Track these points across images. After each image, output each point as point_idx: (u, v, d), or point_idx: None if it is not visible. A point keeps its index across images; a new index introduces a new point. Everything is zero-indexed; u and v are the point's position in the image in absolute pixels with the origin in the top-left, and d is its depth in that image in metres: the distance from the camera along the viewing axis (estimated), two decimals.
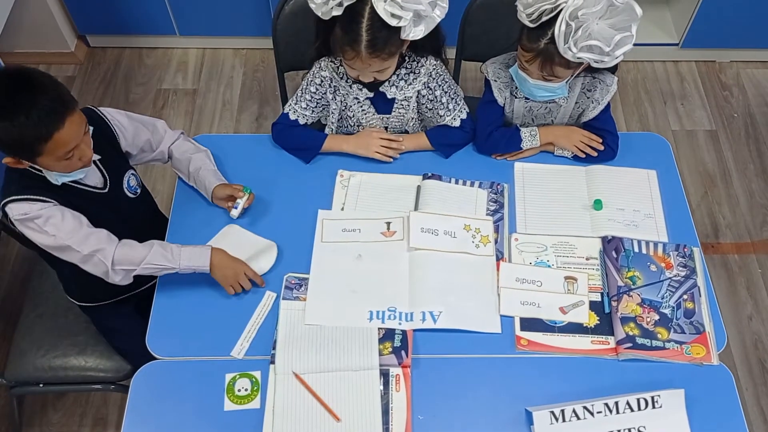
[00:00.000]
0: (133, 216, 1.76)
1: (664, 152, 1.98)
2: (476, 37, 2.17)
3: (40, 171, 1.53)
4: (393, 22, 1.59)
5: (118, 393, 1.93)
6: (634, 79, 3.20)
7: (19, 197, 1.52)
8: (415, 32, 1.64)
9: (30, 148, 1.43)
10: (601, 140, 1.91)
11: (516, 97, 1.92)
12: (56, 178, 1.54)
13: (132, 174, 1.76)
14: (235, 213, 1.77)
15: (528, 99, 1.91)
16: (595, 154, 1.91)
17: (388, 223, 1.80)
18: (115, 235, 1.62)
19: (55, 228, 1.54)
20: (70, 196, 1.58)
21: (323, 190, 1.88)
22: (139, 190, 1.79)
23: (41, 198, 1.53)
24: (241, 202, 1.77)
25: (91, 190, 1.65)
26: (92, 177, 1.64)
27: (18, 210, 1.52)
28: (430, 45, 1.81)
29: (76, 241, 1.56)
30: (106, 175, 1.67)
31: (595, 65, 1.66)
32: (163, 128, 1.83)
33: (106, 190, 1.68)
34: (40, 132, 1.40)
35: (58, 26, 3.03)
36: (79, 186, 1.61)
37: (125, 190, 1.74)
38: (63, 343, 1.87)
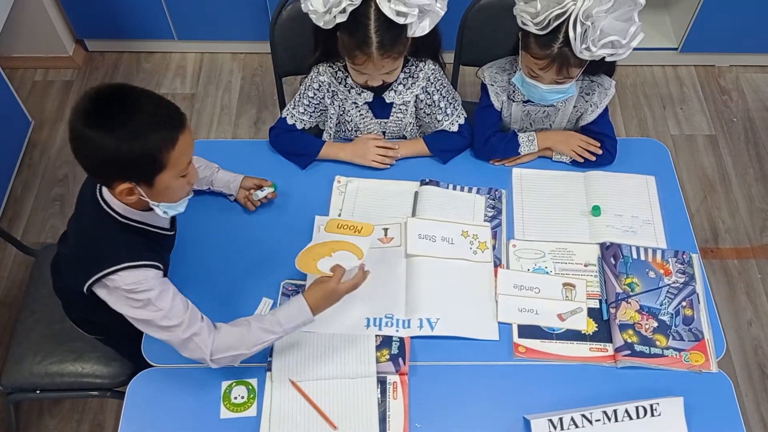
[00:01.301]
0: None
1: (662, 158, 1.97)
2: (475, 42, 2.16)
3: (141, 223, 1.44)
4: (400, 20, 1.59)
5: (114, 399, 1.92)
6: (633, 84, 3.20)
7: (135, 264, 1.38)
8: (422, 28, 1.64)
9: (155, 159, 1.31)
10: (599, 144, 1.90)
11: (513, 102, 1.91)
12: (165, 210, 1.42)
13: None
14: (259, 194, 1.79)
15: (526, 103, 1.90)
16: (594, 158, 1.90)
17: (386, 230, 1.79)
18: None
19: (165, 303, 1.40)
20: (150, 244, 1.47)
21: (320, 195, 1.87)
22: None
23: (154, 264, 1.42)
24: (267, 190, 1.79)
25: (162, 233, 1.54)
26: (163, 219, 1.52)
27: (130, 279, 1.37)
28: (430, 46, 1.81)
29: (185, 321, 1.42)
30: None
31: (609, 59, 1.65)
32: None
33: (173, 233, 1.59)
34: (168, 132, 1.31)
35: (56, 30, 3.02)
36: (154, 230, 1.50)
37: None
38: (60, 349, 1.86)
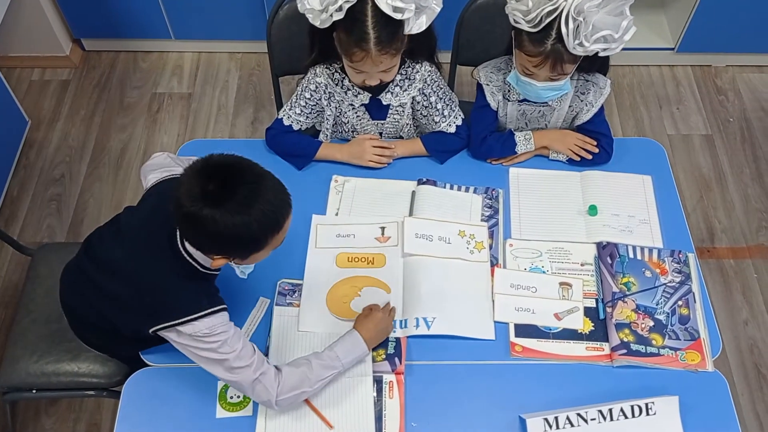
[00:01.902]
0: None
1: (659, 158, 1.98)
2: (471, 42, 2.16)
3: (212, 270, 1.44)
4: (397, 16, 1.59)
5: (111, 399, 1.91)
6: (629, 84, 3.20)
7: (214, 310, 1.39)
8: (418, 24, 1.64)
9: (260, 243, 1.33)
10: (595, 143, 1.91)
11: (509, 101, 1.91)
12: (242, 270, 1.47)
13: None
14: None
15: (521, 102, 1.90)
16: (590, 156, 1.90)
17: (383, 228, 1.80)
18: None
19: (238, 344, 1.41)
20: (217, 290, 1.49)
21: (318, 195, 1.87)
22: None
23: (225, 307, 1.43)
24: None
25: (214, 273, 1.52)
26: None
27: (208, 324, 1.37)
28: (426, 46, 1.81)
29: (255, 362, 1.42)
30: None
31: (603, 54, 1.66)
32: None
33: (219, 272, 1.55)
34: (276, 222, 1.31)
35: (53, 30, 3.01)
36: (215, 272, 1.50)
37: None
38: (56, 348, 1.85)
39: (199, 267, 1.43)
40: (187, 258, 1.41)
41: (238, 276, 1.58)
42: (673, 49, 3.18)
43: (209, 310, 1.38)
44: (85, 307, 1.64)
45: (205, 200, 1.24)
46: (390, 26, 1.62)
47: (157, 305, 1.41)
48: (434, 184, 1.87)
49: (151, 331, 1.41)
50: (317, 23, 1.63)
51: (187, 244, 1.40)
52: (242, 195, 1.26)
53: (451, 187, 1.88)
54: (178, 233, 1.40)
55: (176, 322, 1.37)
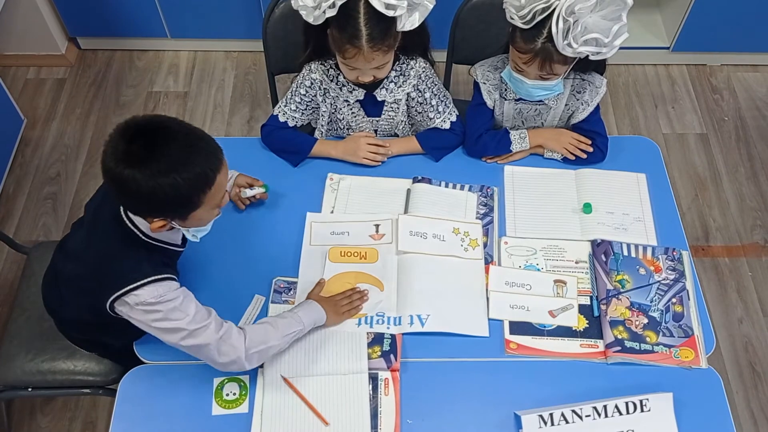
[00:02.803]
0: None
1: (653, 155, 1.98)
2: (467, 41, 2.17)
3: (161, 242, 1.44)
4: (389, 13, 1.59)
5: (107, 397, 1.91)
6: (625, 83, 3.21)
7: (159, 277, 1.39)
8: (411, 21, 1.65)
9: (193, 201, 1.32)
10: (590, 142, 1.91)
11: (506, 99, 1.92)
12: (194, 234, 1.45)
13: None
14: (248, 192, 1.78)
15: (518, 101, 1.91)
16: (585, 156, 1.91)
17: (377, 226, 1.80)
18: None
19: (190, 309, 1.41)
20: (170, 260, 1.50)
21: (313, 193, 1.87)
22: None
23: (173, 276, 1.43)
24: (257, 190, 1.78)
25: (178, 249, 1.54)
26: (178, 236, 1.53)
27: (155, 292, 1.37)
28: (420, 42, 1.82)
29: (212, 322, 1.42)
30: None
31: (593, 58, 1.66)
32: None
33: (184, 248, 1.58)
34: (206, 177, 1.30)
35: (48, 28, 3.01)
36: (171, 247, 1.51)
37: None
38: (51, 346, 1.85)
39: (142, 236, 1.43)
40: (131, 226, 1.42)
41: (232, 272, 1.58)
42: (668, 48, 3.19)
43: (152, 278, 1.38)
44: (63, 304, 1.65)
45: (127, 161, 1.24)
46: (382, 23, 1.62)
47: (103, 277, 1.41)
48: (429, 182, 1.88)
49: (108, 308, 1.41)
50: (310, 20, 1.64)
51: (130, 213, 1.41)
52: (165, 154, 1.25)
53: (446, 185, 1.88)
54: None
55: (121, 291, 1.37)
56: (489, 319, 1.66)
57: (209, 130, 2.94)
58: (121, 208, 1.42)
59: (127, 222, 1.42)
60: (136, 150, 1.24)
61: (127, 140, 1.25)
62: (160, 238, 1.46)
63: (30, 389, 1.85)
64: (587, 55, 1.65)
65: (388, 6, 1.59)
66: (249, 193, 1.78)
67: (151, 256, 1.43)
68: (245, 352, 1.44)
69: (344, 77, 1.82)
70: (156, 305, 1.38)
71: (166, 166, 1.25)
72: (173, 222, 1.38)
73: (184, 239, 1.55)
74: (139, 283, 1.37)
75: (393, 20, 1.63)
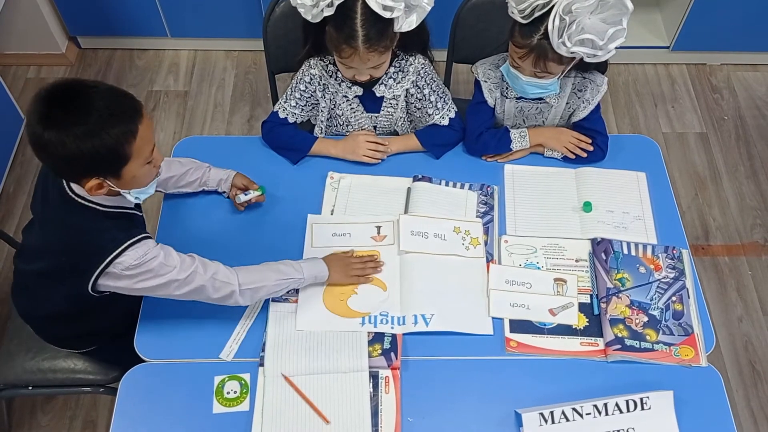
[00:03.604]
0: None
1: (653, 154, 1.99)
2: (467, 39, 2.17)
3: (121, 208, 1.46)
4: (386, 15, 1.60)
5: (107, 396, 1.91)
6: (625, 82, 3.21)
7: (134, 240, 1.40)
8: (409, 23, 1.65)
9: (118, 154, 1.32)
10: (590, 141, 1.91)
11: (507, 98, 1.92)
12: (136, 196, 1.45)
13: None
14: (242, 198, 1.78)
15: (519, 99, 1.91)
16: (585, 154, 1.91)
17: (378, 227, 1.80)
18: None
19: (174, 260, 1.44)
20: (138, 224, 1.52)
21: (313, 191, 1.87)
22: None
23: (148, 235, 1.45)
24: (251, 194, 1.78)
25: (137, 213, 1.56)
26: (130, 201, 1.53)
27: (135, 255, 1.40)
28: (419, 40, 1.82)
29: (198, 266, 1.47)
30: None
31: (588, 60, 1.66)
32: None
33: (142, 214, 1.61)
34: (127, 125, 1.31)
35: (48, 28, 3.01)
36: (131, 212, 1.52)
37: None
38: (52, 345, 1.85)
39: (100, 207, 1.44)
40: (84, 202, 1.43)
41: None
42: (668, 47, 3.19)
43: (128, 242, 1.40)
44: (38, 305, 1.66)
45: (48, 123, 1.26)
46: (379, 24, 1.62)
47: (79, 259, 1.42)
48: (429, 180, 1.88)
49: (91, 288, 1.43)
50: (309, 17, 1.64)
51: (75, 188, 1.42)
52: (84, 111, 1.27)
53: (447, 184, 1.88)
54: (63, 183, 1.43)
55: (103, 265, 1.39)
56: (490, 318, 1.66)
57: (209, 130, 2.98)
58: (67, 189, 1.43)
59: (78, 199, 1.43)
60: (57, 111, 1.27)
61: (47, 103, 1.27)
62: (119, 205, 1.46)
63: (30, 388, 1.85)
64: (582, 57, 1.65)
65: (385, 7, 1.59)
66: (243, 198, 1.78)
67: (118, 223, 1.45)
68: (239, 287, 1.50)
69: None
70: (142, 266, 1.41)
71: (86, 121, 1.27)
72: (109, 182, 1.37)
73: (138, 205, 1.57)
74: (118, 251, 1.39)
75: (390, 21, 1.63)
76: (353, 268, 1.68)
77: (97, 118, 1.27)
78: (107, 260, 1.39)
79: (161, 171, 1.50)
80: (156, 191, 1.72)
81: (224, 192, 1.84)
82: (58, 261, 1.48)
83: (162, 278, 1.43)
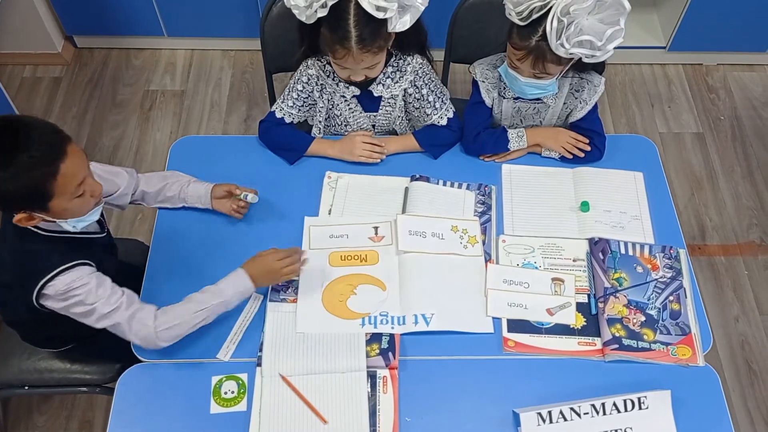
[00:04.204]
0: (114, 257, 1.71)
1: (650, 154, 1.99)
2: (465, 39, 2.17)
3: (65, 233, 1.45)
4: (379, 15, 1.60)
5: (104, 396, 1.91)
6: (621, 82, 3.22)
7: (67, 266, 1.43)
8: (402, 23, 1.65)
9: (40, 192, 1.33)
10: (587, 141, 1.92)
11: (504, 98, 1.92)
12: (74, 225, 1.44)
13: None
14: (251, 198, 1.76)
15: (516, 99, 1.91)
16: (582, 154, 1.91)
17: (376, 228, 1.80)
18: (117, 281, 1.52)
19: (103, 291, 1.46)
20: (81, 248, 1.51)
21: (311, 191, 1.87)
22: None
23: (85, 262, 1.46)
24: (249, 194, 1.76)
25: (94, 236, 1.57)
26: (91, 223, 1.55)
27: (67, 279, 1.42)
28: (416, 40, 1.82)
29: (123, 302, 1.48)
30: (103, 217, 1.60)
31: (586, 60, 1.66)
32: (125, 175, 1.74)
33: (104, 234, 1.62)
34: (47, 167, 1.31)
35: (44, 27, 3.01)
36: (83, 236, 1.53)
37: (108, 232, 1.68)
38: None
39: (41, 231, 1.45)
40: (24, 225, 1.43)
41: (230, 270, 1.58)
42: (664, 47, 3.20)
43: (61, 267, 1.42)
44: (7, 311, 1.67)
45: None
46: (372, 25, 1.62)
47: (23, 278, 1.46)
48: (427, 180, 1.88)
49: (37, 305, 1.46)
50: (303, 18, 1.64)
51: None
52: (6, 154, 1.28)
53: (444, 184, 1.88)
54: None
55: (38, 287, 1.42)
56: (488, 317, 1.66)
57: (206, 130, 2.98)
58: None
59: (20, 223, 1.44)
60: None
61: None
62: (55, 228, 1.46)
63: (26, 388, 1.85)
64: (581, 57, 1.65)
65: (378, 8, 1.59)
66: (250, 196, 1.76)
67: (57, 247, 1.46)
68: (156, 329, 1.49)
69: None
70: (69, 292, 1.43)
71: (12, 163, 1.28)
72: (39, 214, 1.38)
73: (102, 224, 1.60)
74: (51, 275, 1.42)
75: (383, 22, 1.63)
76: (279, 265, 1.60)
77: (21, 161, 1.28)
78: (41, 283, 1.42)
79: (102, 201, 1.50)
80: (136, 204, 1.78)
81: (207, 207, 1.80)
82: (8, 276, 1.51)
83: (84, 307, 1.45)
